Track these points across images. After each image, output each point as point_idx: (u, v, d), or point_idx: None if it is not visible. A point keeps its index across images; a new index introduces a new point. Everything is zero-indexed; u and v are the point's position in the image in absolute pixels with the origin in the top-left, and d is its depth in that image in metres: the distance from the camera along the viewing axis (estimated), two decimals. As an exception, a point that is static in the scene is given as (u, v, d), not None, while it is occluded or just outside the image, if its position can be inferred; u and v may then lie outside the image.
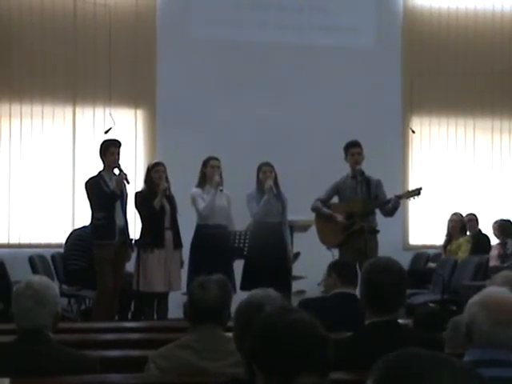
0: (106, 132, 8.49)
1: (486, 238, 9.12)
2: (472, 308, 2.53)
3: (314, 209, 7.40)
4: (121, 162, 7.09)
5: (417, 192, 7.22)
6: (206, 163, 7.40)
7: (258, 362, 1.87)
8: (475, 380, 1.31)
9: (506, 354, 2.45)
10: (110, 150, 7.08)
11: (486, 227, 9.20)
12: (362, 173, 7.14)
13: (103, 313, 6.90)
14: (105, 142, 7.26)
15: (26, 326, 3.04)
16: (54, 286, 3.18)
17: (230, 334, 3.11)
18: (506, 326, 2.46)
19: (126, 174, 7.04)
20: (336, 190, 7.42)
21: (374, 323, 3.10)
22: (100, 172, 7.13)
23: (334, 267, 4.77)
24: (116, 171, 7.07)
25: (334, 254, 7.23)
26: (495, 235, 8.91)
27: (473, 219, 9.19)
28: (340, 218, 7.19)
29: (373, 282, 3.11)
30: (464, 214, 9.08)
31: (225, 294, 3.10)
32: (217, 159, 7.39)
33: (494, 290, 2.58)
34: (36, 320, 3.02)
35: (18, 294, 3.08)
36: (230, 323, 2.92)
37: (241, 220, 7.52)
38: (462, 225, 8.95)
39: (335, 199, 7.47)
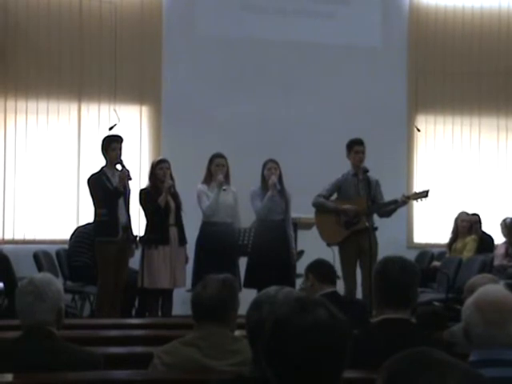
0: (111, 128, 8.47)
1: (491, 238, 9.05)
2: (467, 310, 2.54)
3: (317, 204, 7.36)
4: (123, 157, 7.10)
5: (424, 194, 7.16)
6: (211, 160, 7.40)
7: (266, 361, 1.69)
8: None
9: (502, 352, 2.45)
10: (111, 145, 7.07)
11: (492, 226, 9.16)
12: (366, 171, 7.11)
13: (105, 309, 6.91)
14: (106, 137, 7.25)
15: (29, 322, 3.04)
16: (57, 282, 3.16)
17: (237, 333, 3.10)
18: (500, 326, 2.46)
19: (128, 170, 7.04)
20: (338, 186, 7.39)
21: (385, 320, 3.09)
22: (102, 168, 7.13)
23: (309, 269, 4.68)
24: (118, 167, 7.08)
25: (335, 252, 7.22)
26: (503, 234, 8.79)
27: (476, 221, 9.04)
28: (348, 206, 7.14)
29: (390, 280, 3.06)
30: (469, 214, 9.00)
31: (227, 293, 3.04)
32: (222, 157, 7.38)
33: (486, 290, 2.57)
34: (37, 315, 3.02)
35: (20, 291, 3.09)
36: (240, 320, 2.87)
37: (246, 217, 7.52)
38: (470, 224, 8.85)
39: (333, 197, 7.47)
